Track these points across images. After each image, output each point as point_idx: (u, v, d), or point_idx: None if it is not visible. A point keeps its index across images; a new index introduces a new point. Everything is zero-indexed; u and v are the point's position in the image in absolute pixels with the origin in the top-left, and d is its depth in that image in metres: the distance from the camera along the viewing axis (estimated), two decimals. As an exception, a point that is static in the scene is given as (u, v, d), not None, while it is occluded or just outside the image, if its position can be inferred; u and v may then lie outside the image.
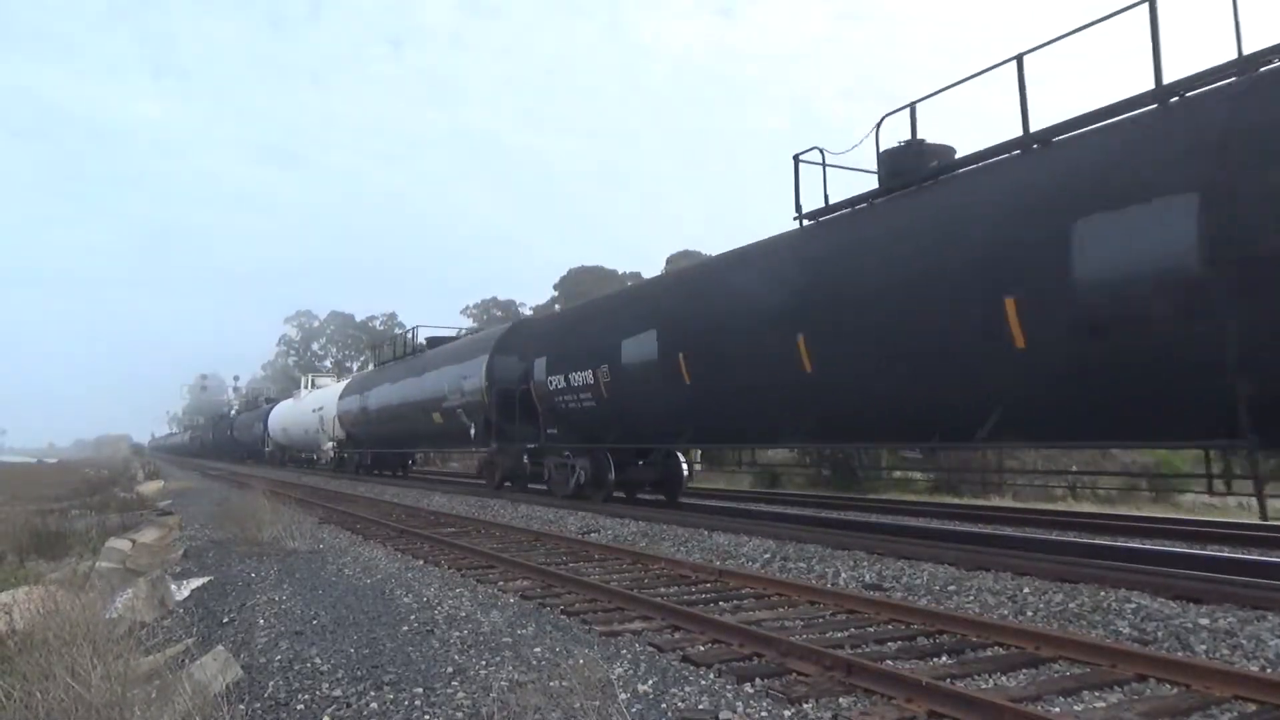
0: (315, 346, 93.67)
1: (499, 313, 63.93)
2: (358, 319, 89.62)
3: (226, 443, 62.87)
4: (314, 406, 38.20)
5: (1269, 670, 4.80)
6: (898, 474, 21.67)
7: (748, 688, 4.67)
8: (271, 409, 49.13)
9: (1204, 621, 5.61)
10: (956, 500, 17.53)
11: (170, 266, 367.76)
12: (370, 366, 45.89)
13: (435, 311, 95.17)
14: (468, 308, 71.82)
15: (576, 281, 53.43)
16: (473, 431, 19.59)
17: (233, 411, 75.56)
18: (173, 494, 25.37)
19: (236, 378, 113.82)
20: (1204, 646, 5.26)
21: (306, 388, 44.66)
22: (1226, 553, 9.17)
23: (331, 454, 34.78)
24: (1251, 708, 4.19)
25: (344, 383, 37.32)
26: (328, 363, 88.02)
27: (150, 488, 27.70)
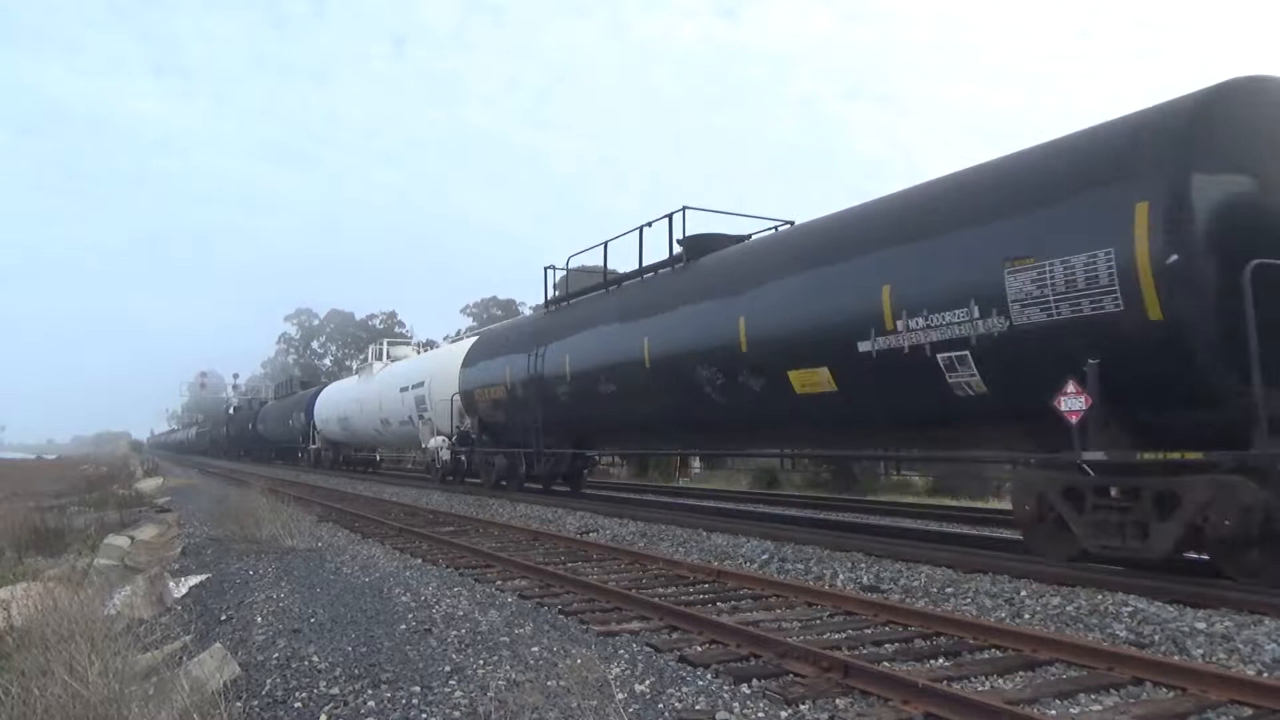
0: (315, 344, 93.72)
1: (499, 312, 63.90)
2: (357, 317, 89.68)
3: (247, 439, 53.06)
4: (402, 384, 25.94)
5: (1265, 675, 4.81)
6: (896, 476, 21.64)
7: (745, 688, 4.67)
8: (318, 392, 37.74)
9: (1201, 625, 5.61)
10: (954, 502, 17.54)
11: (170, 264, 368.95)
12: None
13: (435, 311, 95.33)
14: (468, 307, 71.98)
15: (578, 282, 53.25)
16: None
17: (232, 405, 72.12)
18: (171, 491, 25.39)
19: (236, 375, 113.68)
20: (1201, 650, 5.26)
21: (381, 359, 31.78)
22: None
23: (443, 456, 22.31)
24: (1248, 712, 4.20)
25: (466, 343, 23.61)
26: (327, 360, 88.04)
27: (149, 485, 27.74)
